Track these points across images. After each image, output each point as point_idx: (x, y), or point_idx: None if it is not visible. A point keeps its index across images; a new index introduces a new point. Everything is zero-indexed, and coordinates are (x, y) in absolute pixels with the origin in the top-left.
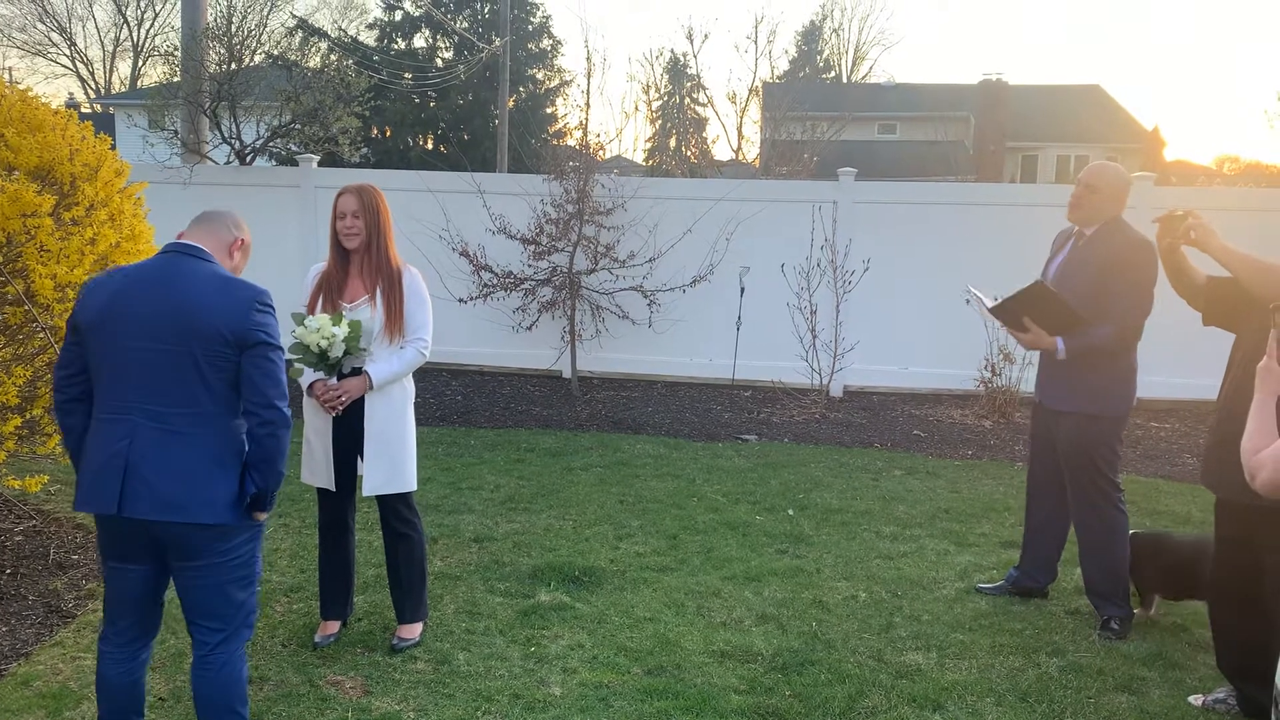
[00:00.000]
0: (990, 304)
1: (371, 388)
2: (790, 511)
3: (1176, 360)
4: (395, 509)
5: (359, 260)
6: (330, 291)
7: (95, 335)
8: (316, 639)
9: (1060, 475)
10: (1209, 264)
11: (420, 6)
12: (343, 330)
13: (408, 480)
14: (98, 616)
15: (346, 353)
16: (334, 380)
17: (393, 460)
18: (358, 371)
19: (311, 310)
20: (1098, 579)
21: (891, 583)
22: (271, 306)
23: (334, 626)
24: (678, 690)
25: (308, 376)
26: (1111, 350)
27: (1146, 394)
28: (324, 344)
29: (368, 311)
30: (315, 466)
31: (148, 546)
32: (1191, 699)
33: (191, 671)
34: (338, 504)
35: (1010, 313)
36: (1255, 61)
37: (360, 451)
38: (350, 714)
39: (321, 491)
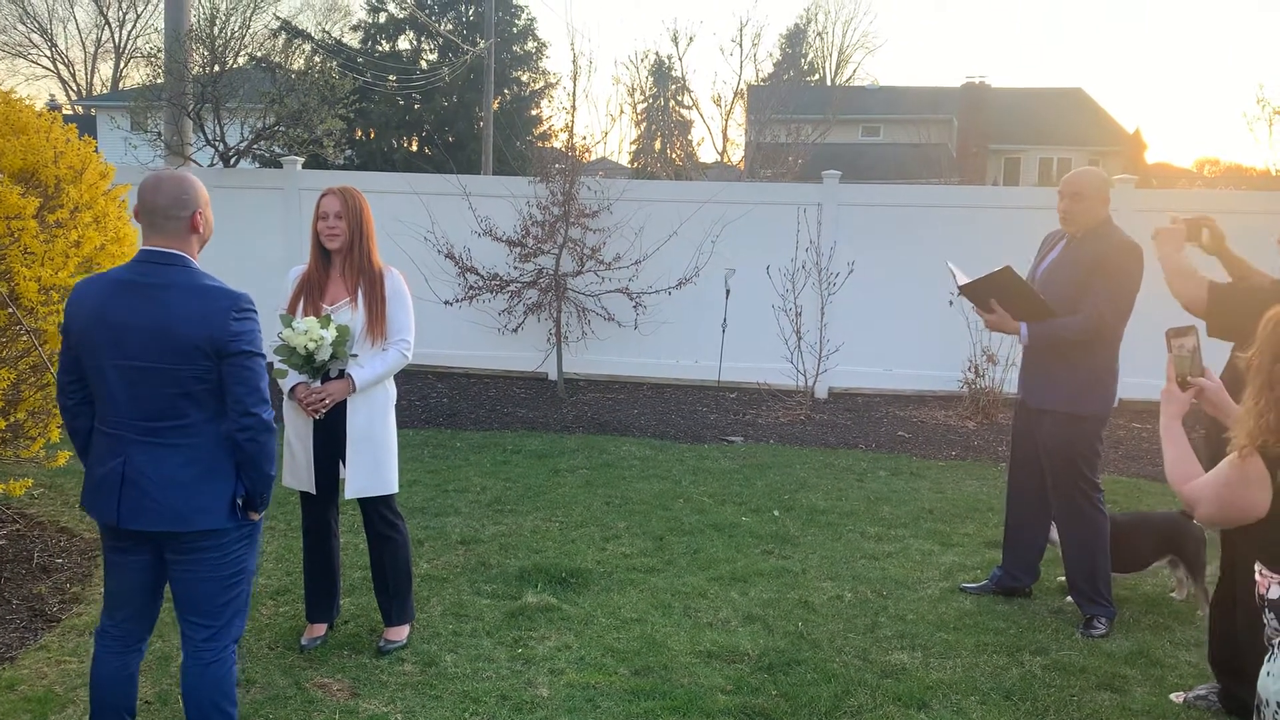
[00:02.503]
0: (963, 282)
1: (354, 390)
2: (776, 512)
3: (1158, 362)
4: (378, 511)
5: (340, 262)
6: (311, 293)
7: (83, 348)
8: (303, 641)
9: (1041, 475)
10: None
11: (404, 9)
12: (330, 333)
13: (389, 483)
14: (82, 620)
15: (333, 356)
16: (317, 383)
17: (374, 463)
18: (340, 374)
19: (291, 312)
20: (1079, 578)
21: (877, 583)
22: (251, 310)
23: (320, 629)
24: (664, 691)
25: (290, 380)
26: (1076, 340)
27: (1128, 395)
28: (311, 346)
29: (349, 313)
30: (296, 470)
31: (146, 540)
32: (1173, 696)
33: (181, 669)
34: (320, 507)
35: (978, 294)
36: (1235, 65)
37: (342, 454)
38: (337, 716)
39: (304, 495)
